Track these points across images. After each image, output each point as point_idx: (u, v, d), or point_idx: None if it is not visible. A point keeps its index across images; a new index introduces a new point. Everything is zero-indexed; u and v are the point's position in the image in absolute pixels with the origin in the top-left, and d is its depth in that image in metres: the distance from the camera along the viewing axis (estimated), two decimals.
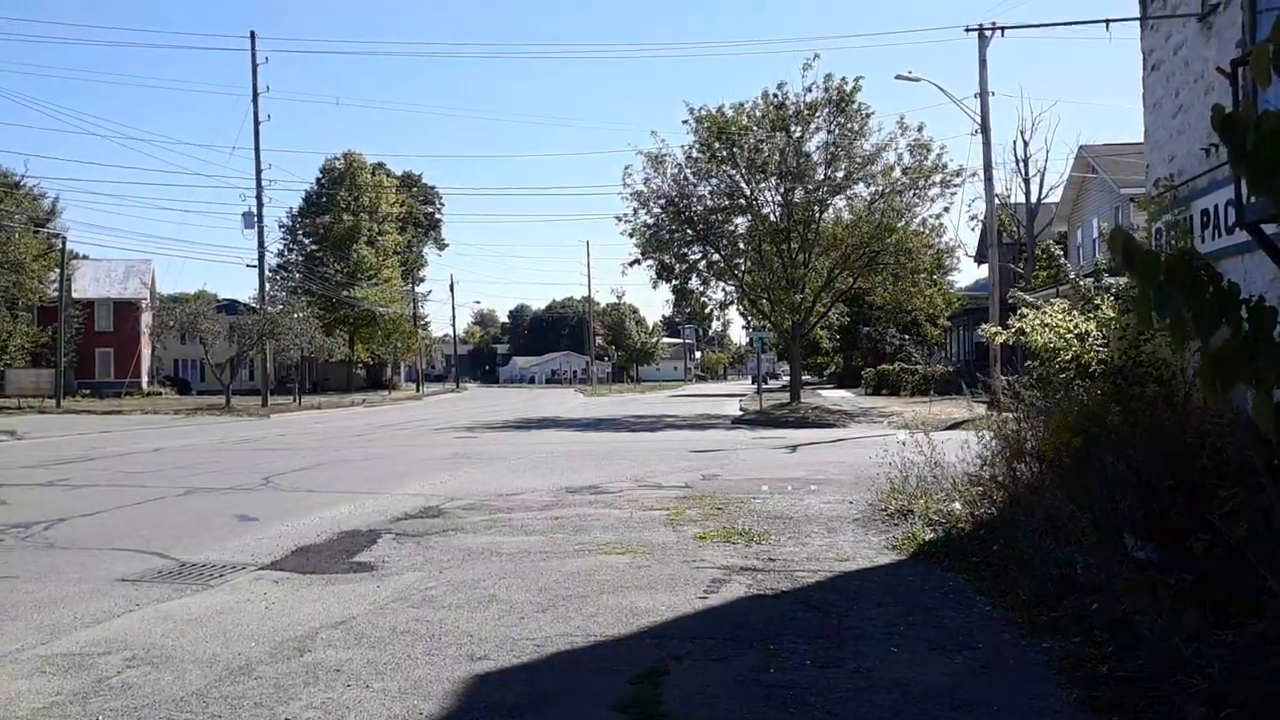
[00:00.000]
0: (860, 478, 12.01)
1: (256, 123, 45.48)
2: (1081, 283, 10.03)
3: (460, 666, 5.04)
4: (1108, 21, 16.99)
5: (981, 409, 16.79)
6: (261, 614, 6.20)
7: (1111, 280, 9.42)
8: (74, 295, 55.21)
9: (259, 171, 45.41)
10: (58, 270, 49.58)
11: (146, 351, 62.75)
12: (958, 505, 8.52)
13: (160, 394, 58.11)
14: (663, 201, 34.61)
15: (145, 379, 62.02)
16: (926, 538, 8.01)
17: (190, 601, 6.61)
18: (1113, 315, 8.59)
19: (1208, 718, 3.78)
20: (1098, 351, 8.55)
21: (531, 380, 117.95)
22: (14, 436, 25.24)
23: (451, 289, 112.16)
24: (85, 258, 63.45)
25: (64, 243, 50.86)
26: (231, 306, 59.71)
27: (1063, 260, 21.41)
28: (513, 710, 4.43)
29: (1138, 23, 10.71)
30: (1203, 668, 4.23)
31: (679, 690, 4.63)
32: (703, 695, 4.56)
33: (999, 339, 10.81)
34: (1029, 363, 9.72)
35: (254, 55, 45.49)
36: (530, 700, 4.57)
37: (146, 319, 59.02)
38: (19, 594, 6.84)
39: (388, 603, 6.45)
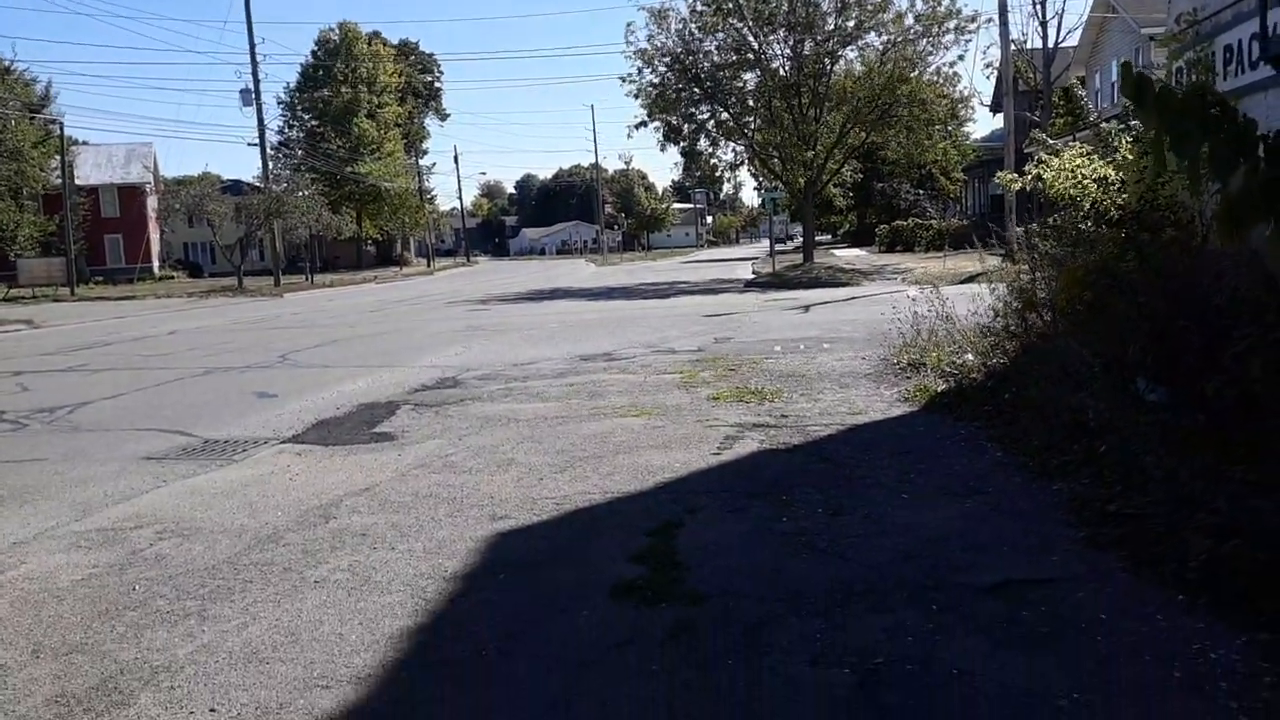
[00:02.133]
0: (873, 334, 12.00)
1: None
2: (1102, 125, 9.75)
3: (482, 526, 5.17)
4: None
5: (995, 262, 16.66)
6: (286, 485, 6.35)
7: (1135, 121, 9.13)
8: (77, 182, 54.68)
9: (252, 46, 44.39)
10: (58, 157, 48.97)
11: (155, 236, 62.56)
12: (970, 356, 8.52)
13: (172, 278, 58.22)
14: (668, 60, 33.58)
15: (156, 263, 61.99)
16: (939, 389, 8.05)
17: (216, 476, 6.76)
18: (1131, 158, 8.37)
19: (1213, 550, 3.85)
20: (1115, 198, 8.36)
21: (542, 252, 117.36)
22: (31, 325, 25.46)
23: (456, 160, 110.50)
24: (85, 143, 62.59)
25: (61, 128, 50.17)
26: (236, 187, 59.29)
27: (1083, 99, 20.73)
28: (534, 565, 4.56)
29: None
30: (1209, 504, 4.28)
31: (694, 541, 4.75)
32: (717, 545, 4.67)
33: (1015, 186, 10.58)
34: (1050, 217, 9.50)
35: None
36: (550, 555, 4.70)
37: (152, 203, 58.66)
38: (49, 474, 7.02)
39: (409, 470, 6.58)
